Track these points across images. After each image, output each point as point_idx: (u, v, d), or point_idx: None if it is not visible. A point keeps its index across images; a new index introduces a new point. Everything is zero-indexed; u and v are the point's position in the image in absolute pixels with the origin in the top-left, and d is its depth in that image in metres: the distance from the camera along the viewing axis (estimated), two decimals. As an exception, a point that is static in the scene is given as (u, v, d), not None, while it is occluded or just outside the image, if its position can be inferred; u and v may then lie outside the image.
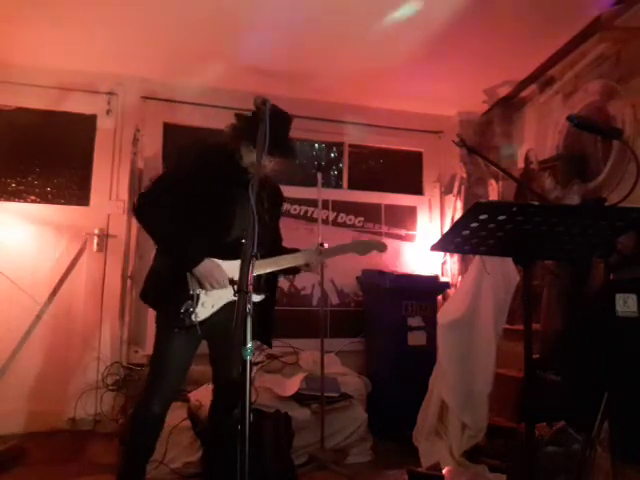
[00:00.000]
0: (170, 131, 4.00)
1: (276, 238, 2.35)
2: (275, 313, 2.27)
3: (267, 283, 2.18)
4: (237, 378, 2.10)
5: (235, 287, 1.35)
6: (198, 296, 2.02)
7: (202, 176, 2.06)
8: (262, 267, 2.08)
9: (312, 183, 3.46)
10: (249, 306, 1.29)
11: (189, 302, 2.00)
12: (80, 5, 3.00)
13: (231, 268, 2.04)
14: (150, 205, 2.07)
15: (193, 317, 2.00)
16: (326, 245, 2.35)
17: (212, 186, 2.06)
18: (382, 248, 2.42)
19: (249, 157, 2.09)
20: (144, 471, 2.11)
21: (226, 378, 2.13)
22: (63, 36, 3.33)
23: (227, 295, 2.06)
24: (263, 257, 2.10)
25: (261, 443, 2.64)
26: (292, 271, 2.28)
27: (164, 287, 2.06)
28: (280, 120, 2.04)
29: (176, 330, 2.00)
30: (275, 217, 2.32)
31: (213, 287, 2.01)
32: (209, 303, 2.04)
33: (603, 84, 3.16)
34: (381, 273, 3.88)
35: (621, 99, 3.03)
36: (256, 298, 2.08)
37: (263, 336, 2.19)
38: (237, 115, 2.16)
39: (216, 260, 2.04)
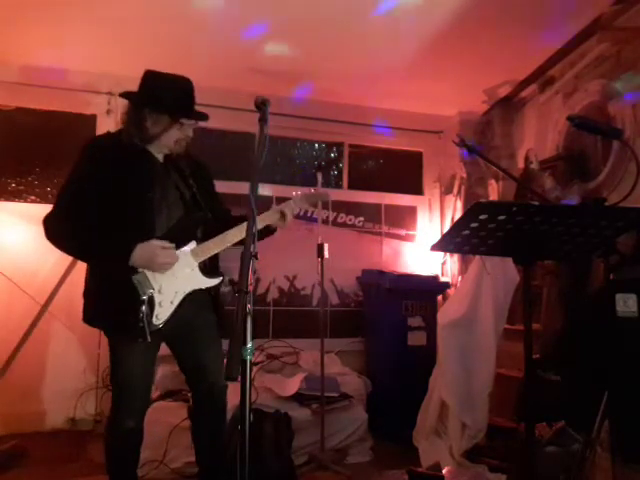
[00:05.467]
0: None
1: (220, 210, 2.17)
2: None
3: (217, 265, 2.08)
4: (215, 385, 2.03)
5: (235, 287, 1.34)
6: (152, 297, 1.85)
7: (103, 172, 1.87)
8: (210, 249, 1.97)
9: (312, 183, 3.46)
10: (249, 306, 1.28)
11: (143, 308, 1.82)
12: (80, 5, 3.00)
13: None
14: (56, 224, 1.86)
15: (154, 321, 1.84)
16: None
17: (118, 180, 1.87)
18: (325, 197, 2.39)
19: (155, 128, 1.93)
20: (135, 477, 2.05)
21: (209, 384, 2.03)
22: (63, 36, 3.33)
23: (183, 287, 1.93)
24: (209, 236, 1.99)
25: (261, 443, 2.64)
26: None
27: (111, 301, 1.85)
28: (180, 84, 1.97)
29: (140, 340, 1.82)
30: (207, 190, 2.13)
31: (167, 267, 1.85)
32: (167, 300, 1.89)
33: (603, 84, 3.16)
34: (381, 273, 3.89)
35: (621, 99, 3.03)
36: (214, 282, 2.01)
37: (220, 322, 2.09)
38: (125, 95, 1.98)
39: (144, 244, 1.82)
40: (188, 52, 3.50)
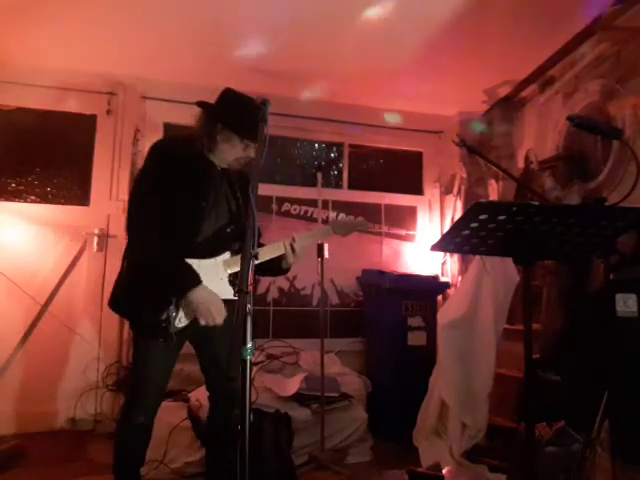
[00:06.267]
0: (170, 131, 3.99)
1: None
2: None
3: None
4: (234, 384, 2.06)
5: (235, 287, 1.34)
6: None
7: (170, 175, 1.93)
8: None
9: (312, 183, 3.46)
10: (249, 306, 1.29)
11: (171, 308, 1.87)
12: (80, 5, 3.00)
13: (208, 267, 1.96)
14: (142, 232, 1.91)
15: (176, 323, 1.88)
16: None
17: (180, 184, 1.93)
18: (364, 227, 2.34)
19: (223, 143, 2.02)
20: (139, 477, 2.06)
21: (222, 385, 2.05)
22: (63, 36, 3.33)
23: None
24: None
25: (261, 443, 2.64)
26: (276, 270, 2.13)
27: (141, 294, 1.89)
28: (250, 104, 2.00)
29: (161, 340, 1.87)
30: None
31: (208, 322, 1.85)
32: None
33: (603, 84, 3.16)
34: (381, 273, 3.89)
35: (621, 99, 3.03)
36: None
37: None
38: (201, 104, 2.07)
39: (210, 289, 1.88)
40: (188, 52, 3.50)
